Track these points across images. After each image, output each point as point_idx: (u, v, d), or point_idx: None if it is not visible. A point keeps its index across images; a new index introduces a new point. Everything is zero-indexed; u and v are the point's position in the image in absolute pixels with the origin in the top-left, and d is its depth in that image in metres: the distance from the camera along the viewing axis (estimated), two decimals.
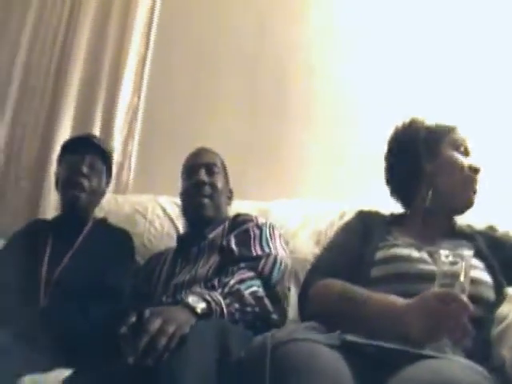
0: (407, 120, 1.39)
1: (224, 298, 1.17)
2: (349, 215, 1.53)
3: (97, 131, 2.23)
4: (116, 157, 2.22)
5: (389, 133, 1.41)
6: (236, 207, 1.75)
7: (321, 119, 2.17)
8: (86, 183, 1.68)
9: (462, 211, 1.33)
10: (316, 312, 1.14)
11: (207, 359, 0.93)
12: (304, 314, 1.20)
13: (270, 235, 1.48)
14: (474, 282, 1.07)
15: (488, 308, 1.14)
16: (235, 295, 1.20)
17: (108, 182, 1.82)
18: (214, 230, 1.57)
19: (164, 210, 1.99)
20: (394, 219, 1.37)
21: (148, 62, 2.35)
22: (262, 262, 1.36)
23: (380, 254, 1.21)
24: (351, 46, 2.20)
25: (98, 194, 1.76)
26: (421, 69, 2.08)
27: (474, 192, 1.31)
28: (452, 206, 1.32)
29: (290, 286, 1.54)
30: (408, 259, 1.18)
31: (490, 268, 1.19)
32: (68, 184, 1.69)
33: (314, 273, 1.25)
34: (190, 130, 2.22)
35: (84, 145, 1.74)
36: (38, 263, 1.58)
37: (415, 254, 1.19)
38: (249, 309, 1.22)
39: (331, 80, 2.18)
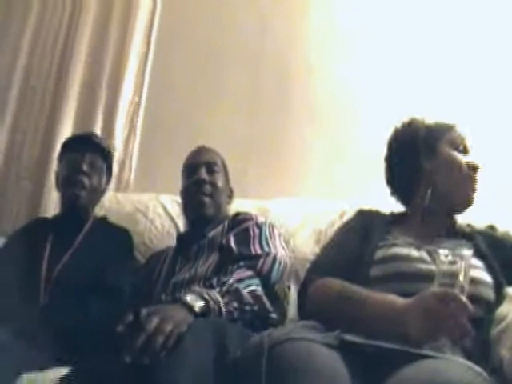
0: (407, 120, 1.38)
1: (222, 297, 1.17)
2: (349, 214, 1.53)
3: (98, 130, 2.24)
4: (117, 155, 2.22)
5: (390, 132, 1.41)
6: (236, 206, 1.75)
7: (322, 118, 2.16)
8: (86, 181, 1.68)
9: (461, 210, 1.32)
10: (315, 311, 1.14)
11: (204, 358, 0.92)
12: (303, 312, 1.20)
13: (270, 234, 1.48)
14: (474, 281, 1.06)
15: (487, 308, 1.13)
16: (234, 294, 1.20)
17: (108, 181, 1.82)
18: (213, 229, 1.57)
19: (165, 209, 1.99)
20: (394, 218, 1.37)
21: (149, 62, 2.35)
22: (261, 261, 1.35)
23: (379, 254, 1.21)
24: (352, 45, 2.19)
25: (98, 193, 1.76)
26: (422, 67, 2.08)
27: (473, 190, 1.30)
28: (451, 205, 1.31)
29: (290, 284, 1.54)
30: (407, 258, 1.17)
31: (489, 268, 1.18)
32: (68, 182, 1.69)
33: (313, 271, 1.24)
34: (191, 128, 2.22)
35: (84, 143, 1.74)
36: (38, 261, 1.58)
37: (414, 253, 1.19)
38: (247, 307, 1.22)
39: (332, 79, 2.18)
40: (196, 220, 1.64)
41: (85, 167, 1.68)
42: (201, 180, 1.62)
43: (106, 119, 2.27)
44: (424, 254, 1.19)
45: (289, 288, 1.50)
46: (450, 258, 0.99)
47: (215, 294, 1.17)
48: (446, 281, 0.98)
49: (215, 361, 0.93)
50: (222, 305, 1.15)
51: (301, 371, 0.86)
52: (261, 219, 1.55)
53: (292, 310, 1.46)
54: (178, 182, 1.74)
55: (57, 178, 1.78)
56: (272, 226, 1.53)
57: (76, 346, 1.29)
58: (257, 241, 1.43)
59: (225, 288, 1.20)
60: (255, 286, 1.27)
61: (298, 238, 1.77)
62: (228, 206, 1.71)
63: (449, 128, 1.34)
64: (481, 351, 1.07)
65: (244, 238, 1.45)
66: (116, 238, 1.72)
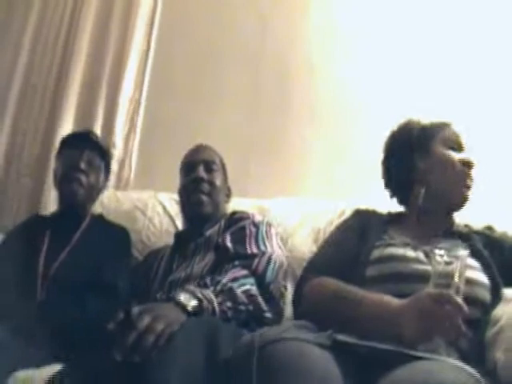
0: (402, 121, 1.38)
1: (216, 296, 1.16)
2: (348, 214, 1.52)
3: (98, 128, 2.24)
4: (117, 153, 2.22)
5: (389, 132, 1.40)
6: (236, 205, 1.74)
7: (322, 117, 2.15)
8: (83, 179, 1.68)
9: (456, 208, 1.31)
10: (309, 310, 1.13)
11: (195, 357, 0.92)
12: (297, 311, 1.19)
13: (267, 233, 1.47)
14: (470, 282, 1.06)
15: (483, 309, 1.12)
16: (227, 293, 1.19)
17: (106, 179, 1.82)
18: (211, 228, 1.56)
19: (164, 208, 1.99)
20: (392, 218, 1.36)
21: (150, 59, 2.35)
22: (256, 260, 1.34)
23: (376, 254, 1.20)
24: (352, 45, 2.18)
25: (96, 190, 1.76)
26: (422, 67, 2.07)
27: (468, 187, 1.28)
28: (446, 204, 1.30)
29: (287, 284, 1.53)
30: (403, 259, 1.17)
31: (486, 268, 1.17)
32: (66, 179, 1.69)
33: (309, 270, 1.24)
34: (191, 126, 2.22)
35: (82, 141, 1.74)
36: (35, 258, 1.58)
37: (410, 253, 1.18)
38: (242, 307, 1.21)
39: (332, 79, 2.17)
40: (194, 218, 1.63)
41: (82, 165, 1.68)
42: (199, 178, 1.61)
43: (106, 117, 2.27)
44: (420, 255, 1.18)
45: (285, 287, 1.49)
46: (445, 258, 0.98)
47: (209, 293, 1.16)
48: (442, 281, 0.97)
49: (206, 360, 0.92)
50: (215, 304, 1.14)
51: (292, 371, 0.85)
52: (258, 218, 1.54)
53: (289, 309, 1.45)
54: (178, 181, 1.74)
55: (55, 175, 1.78)
56: (269, 225, 1.52)
57: (73, 343, 1.29)
58: (253, 240, 1.42)
59: (219, 287, 1.19)
60: (250, 285, 1.26)
61: (296, 236, 1.76)
62: (226, 204, 1.70)
63: (442, 126, 1.33)
64: (476, 352, 1.06)
65: (240, 236, 1.44)
66: (113, 235, 1.71)
